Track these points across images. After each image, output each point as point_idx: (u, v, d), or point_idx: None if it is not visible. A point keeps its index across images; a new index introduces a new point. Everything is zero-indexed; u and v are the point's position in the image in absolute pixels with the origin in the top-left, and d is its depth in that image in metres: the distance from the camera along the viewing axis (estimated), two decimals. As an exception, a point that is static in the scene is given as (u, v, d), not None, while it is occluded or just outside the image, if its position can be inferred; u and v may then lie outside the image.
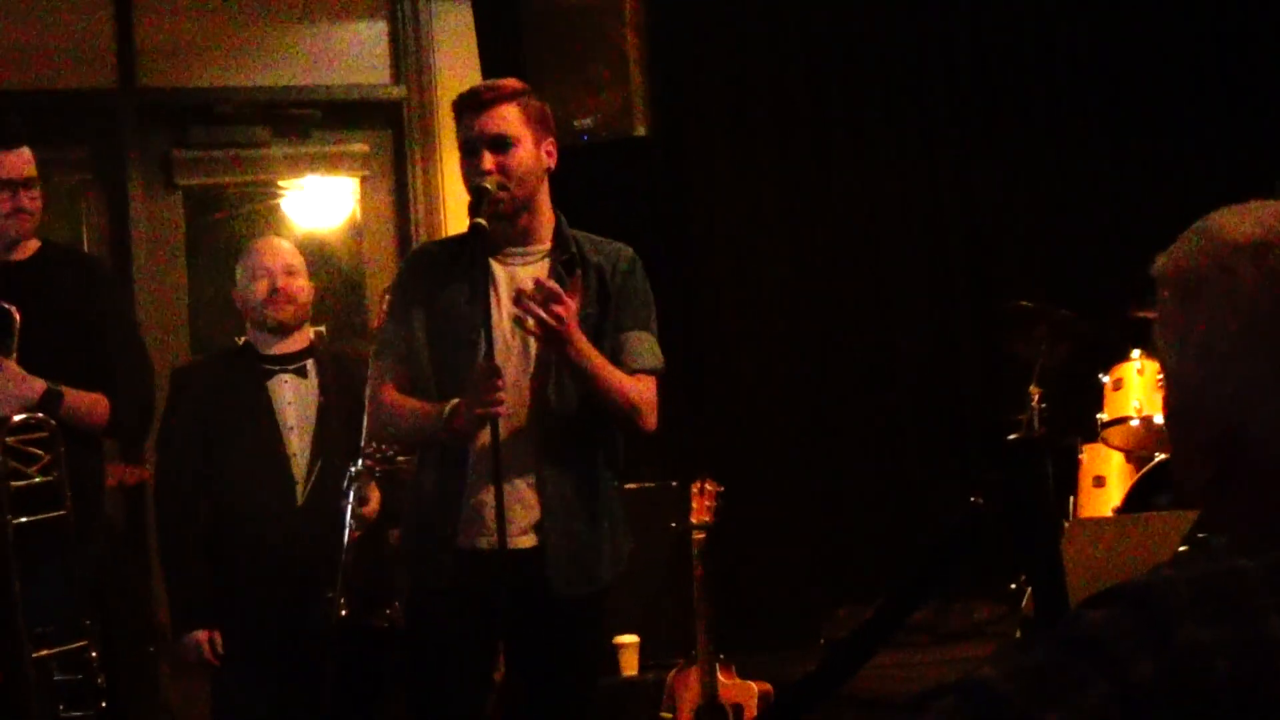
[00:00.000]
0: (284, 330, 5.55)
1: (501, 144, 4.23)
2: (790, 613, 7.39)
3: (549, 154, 4.33)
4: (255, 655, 5.42)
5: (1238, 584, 1.49)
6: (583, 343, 4.12)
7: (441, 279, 4.33)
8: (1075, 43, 8.14)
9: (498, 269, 4.26)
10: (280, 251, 5.65)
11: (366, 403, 4.62)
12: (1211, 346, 1.64)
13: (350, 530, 5.16)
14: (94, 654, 5.50)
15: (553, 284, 4.07)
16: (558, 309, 4.01)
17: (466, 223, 4.16)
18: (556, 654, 4.28)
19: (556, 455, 4.23)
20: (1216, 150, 7.94)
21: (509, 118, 4.27)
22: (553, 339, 4.07)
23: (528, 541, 4.18)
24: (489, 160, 4.21)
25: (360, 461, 5.15)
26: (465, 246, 4.23)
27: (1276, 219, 1.66)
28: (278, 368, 5.54)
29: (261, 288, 5.53)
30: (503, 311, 4.24)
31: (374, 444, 5.08)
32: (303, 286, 5.58)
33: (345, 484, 5.20)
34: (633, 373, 4.24)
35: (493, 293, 4.20)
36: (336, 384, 5.49)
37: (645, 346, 4.27)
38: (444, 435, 4.19)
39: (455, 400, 4.13)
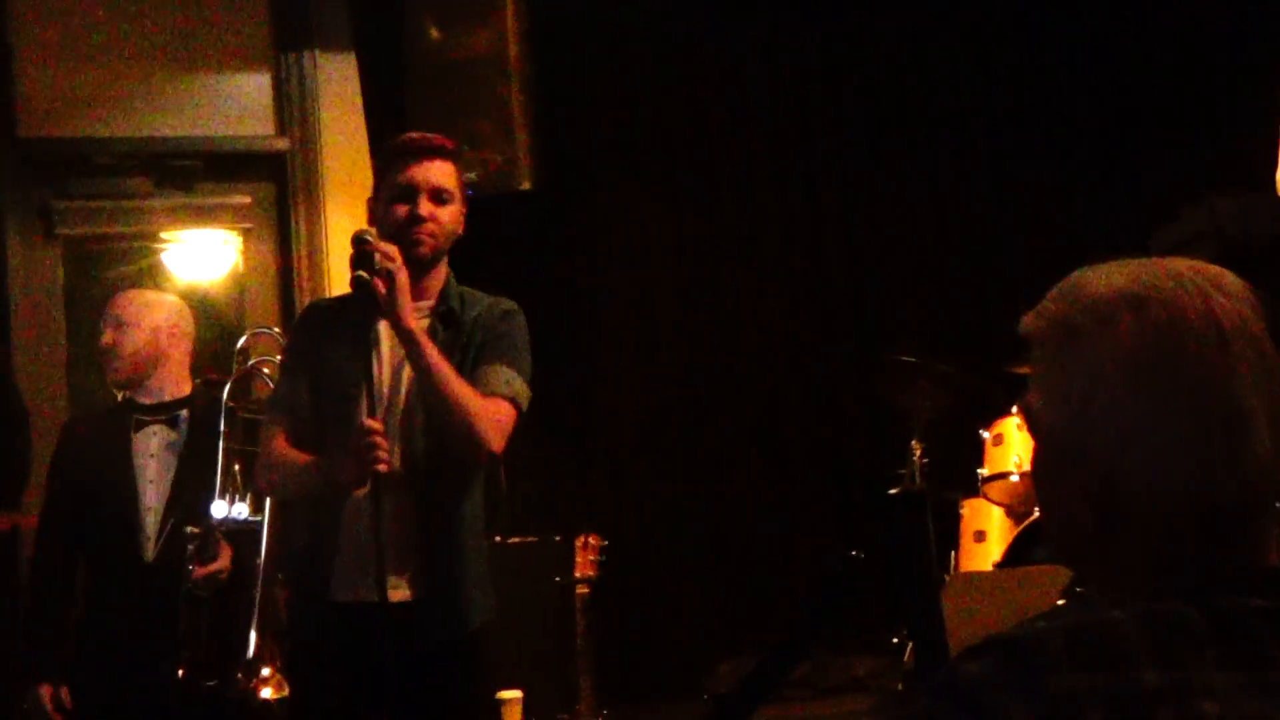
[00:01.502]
0: (124, 387, 5.51)
1: (439, 196, 4.27)
2: (673, 667, 7.38)
3: (461, 220, 4.36)
4: (102, 715, 5.31)
5: (1109, 634, 1.51)
6: (420, 334, 4.10)
7: (329, 335, 4.32)
8: (960, 98, 8.24)
9: (381, 325, 4.26)
10: (116, 303, 5.56)
11: (257, 458, 4.57)
12: (1091, 397, 1.66)
13: (193, 590, 5.08)
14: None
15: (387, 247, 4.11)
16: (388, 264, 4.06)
17: (349, 275, 4.15)
18: (436, 706, 4.25)
19: (428, 506, 4.21)
20: (1095, 208, 8.06)
21: (448, 173, 4.31)
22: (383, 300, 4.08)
23: (402, 594, 4.16)
24: (427, 207, 4.23)
25: (210, 518, 5.07)
26: (354, 302, 4.23)
27: (1150, 273, 1.69)
28: (150, 418, 5.45)
29: (99, 342, 5.51)
30: (384, 365, 4.24)
31: (224, 499, 5.03)
32: (133, 339, 5.44)
33: (188, 542, 5.11)
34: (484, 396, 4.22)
35: (375, 349, 4.21)
36: (203, 435, 5.36)
37: (501, 376, 4.22)
38: (326, 489, 4.17)
39: (338, 456, 4.11)
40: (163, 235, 8.00)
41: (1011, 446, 6.61)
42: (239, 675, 5.04)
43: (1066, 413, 1.69)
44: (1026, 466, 6.48)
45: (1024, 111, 8.20)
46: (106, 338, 5.45)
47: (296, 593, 4.39)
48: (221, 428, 5.21)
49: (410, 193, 4.25)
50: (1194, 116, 7.91)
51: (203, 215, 7.92)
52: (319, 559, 4.22)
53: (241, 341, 5.65)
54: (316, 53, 7.82)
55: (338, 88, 7.78)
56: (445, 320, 4.28)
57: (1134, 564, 1.66)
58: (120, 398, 5.62)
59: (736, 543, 7.75)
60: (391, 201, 4.27)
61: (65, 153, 7.67)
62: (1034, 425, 1.75)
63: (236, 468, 5.17)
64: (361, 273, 4.07)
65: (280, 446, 4.27)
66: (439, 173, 4.28)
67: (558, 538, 6.66)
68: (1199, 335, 1.64)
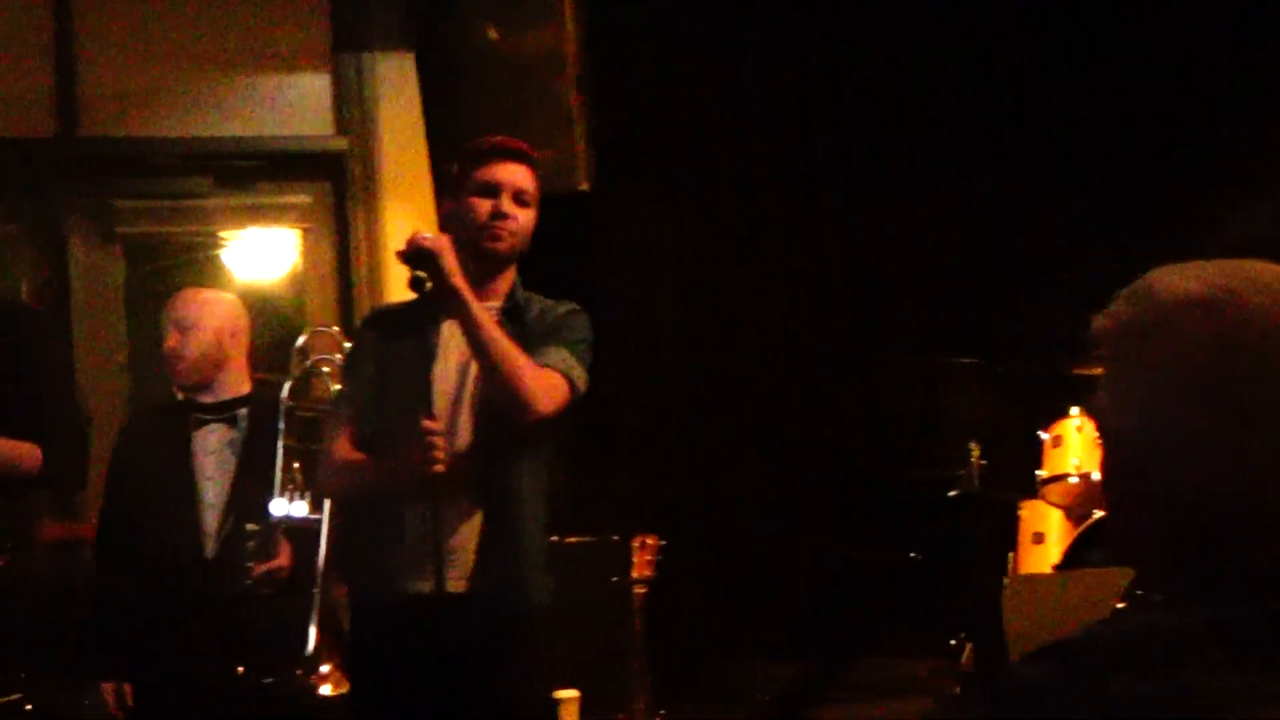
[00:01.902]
0: (189, 390, 5.50)
1: (521, 198, 4.36)
2: (729, 667, 7.37)
3: (532, 226, 4.43)
4: (162, 712, 5.31)
5: (1174, 640, 1.50)
6: (473, 303, 4.15)
7: (393, 339, 4.38)
8: (1006, 100, 8.20)
9: (445, 325, 4.30)
10: (178, 305, 5.57)
11: (320, 460, 4.59)
12: (1157, 401, 1.64)
13: (252, 587, 5.09)
14: (29, 707, 5.45)
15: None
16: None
17: (404, 273, 4.20)
18: (492, 690, 4.27)
19: (489, 497, 4.24)
20: (1152, 208, 8.00)
21: (529, 178, 4.41)
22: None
23: (461, 586, 4.19)
24: (510, 205, 4.31)
25: (271, 516, 5.08)
26: (417, 307, 4.30)
27: (1223, 276, 1.66)
28: (210, 417, 5.46)
29: (164, 346, 5.51)
30: (449, 367, 4.29)
31: (284, 497, 5.03)
32: (198, 342, 5.46)
33: (248, 539, 5.12)
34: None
35: (437, 352, 4.30)
36: (263, 433, 5.35)
37: (558, 354, 4.29)
38: (388, 490, 4.22)
39: (399, 457, 4.17)
40: (222, 235, 8.04)
41: (1070, 448, 6.57)
42: (298, 672, 5.05)
43: (1134, 416, 1.67)
44: (1085, 468, 6.45)
45: (1088, 102, 8.15)
46: (171, 341, 5.46)
47: (358, 587, 4.43)
48: (280, 426, 5.19)
49: (494, 190, 4.32)
50: (1214, 110, 7.87)
51: (262, 215, 7.96)
52: (381, 553, 4.26)
53: (300, 340, 5.65)
54: (375, 53, 7.84)
55: (396, 88, 7.80)
56: (510, 316, 4.33)
57: (1200, 570, 1.64)
58: (181, 397, 5.62)
59: (793, 544, 7.73)
60: (473, 197, 4.32)
61: (126, 152, 7.72)
62: (1102, 428, 1.73)
63: (296, 466, 5.16)
64: (419, 272, 4.12)
65: (344, 448, 4.34)
66: (521, 176, 4.38)
67: (615, 538, 6.66)
68: (1271, 339, 1.61)
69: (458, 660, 4.20)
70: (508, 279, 4.41)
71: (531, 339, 4.29)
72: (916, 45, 8.21)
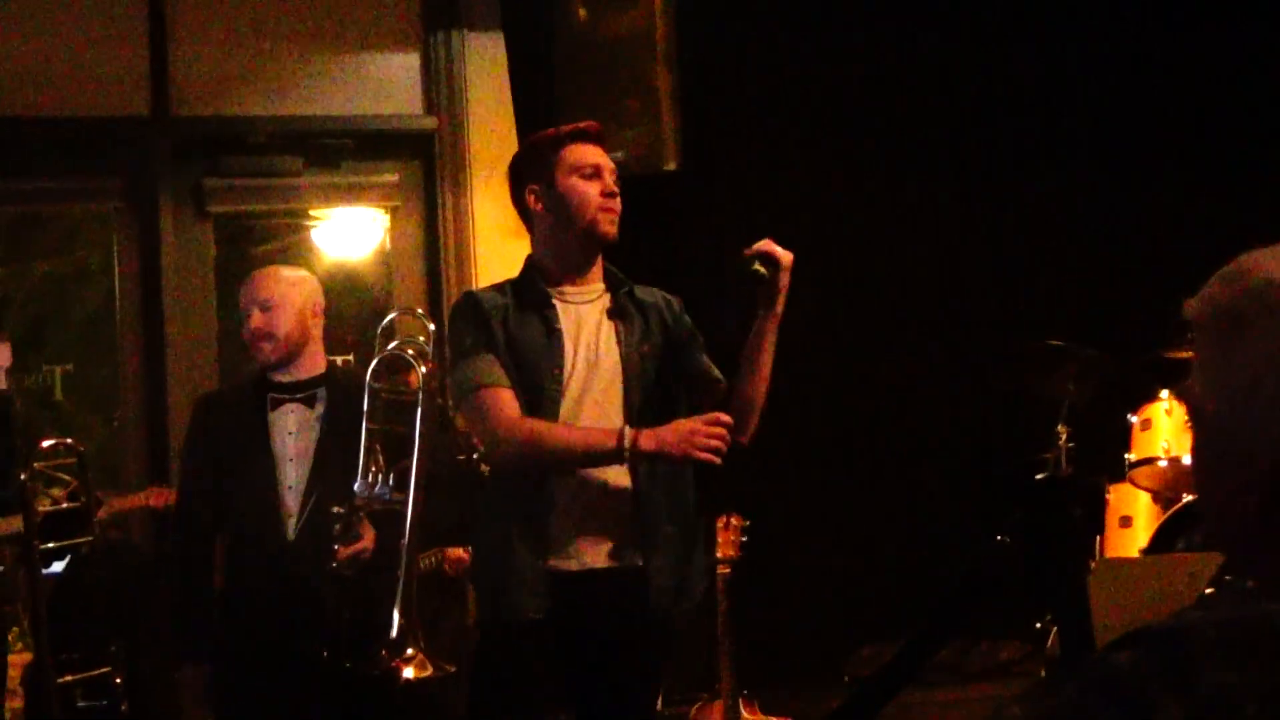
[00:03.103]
0: (273, 369, 5.45)
1: (616, 180, 4.40)
2: (814, 649, 7.35)
3: None
4: (247, 695, 5.31)
5: (1268, 628, 1.48)
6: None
7: (514, 319, 4.35)
8: (1103, 78, 8.13)
9: (559, 306, 4.31)
10: (259, 284, 5.52)
11: (479, 428, 4.52)
12: (1256, 385, 1.62)
13: (337, 569, 5.05)
14: (118, 680, 5.51)
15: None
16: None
17: (498, 252, 4.27)
18: (638, 675, 4.30)
19: (651, 474, 4.27)
20: (1245, 190, 7.91)
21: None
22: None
23: (632, 559, 4.20)
24: (613, 185, 4.36)
25: (355, 497, 5.02)
26: (520, 287, 4.38)
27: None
28: (286, 396, 5.43)
29: (245, 326, 5.47)
30: (577, 346, 4.31)
31: (368, 479, 4.99)
32: (284, 320, 5.42)
33: (333, 521, 5.07)
34: None
35: (563, 329, 4.32)
36: (349, 415, 5.24)
37: (710, 364, 4.46)
38: (582, 463, 4.23)
39: (629, 429, 4.16)
40: (311, 213, 8.10)
41: (1160, 431, 6.53)
42: (382, 654, 5.04)
43: (1230, 401, 1.65)
44: (1175, 452, 6.41)
45: (1181, 85, 8.07)
46: (256, 320, 5.41)
47: (500, 563, 4.34)
48: (365, 406, 5.10)
49: (597, 171, 4.31)
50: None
51: (351, 193, 8.01)
52: (531, 529, 4.24)
53: (386, 321, 5.61)
54: (465, 32, 7.86)
55: (486, 67, 7.82)
56: (632, 300, 4.39)
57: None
58: (258, 375, 5.58)
59: (880, 525, 7.70)
60: (579, 178, 4.33)
61: (217, 131, 7.79)
62: (1195, 412, 1.71)
63: (378, 448, 5.10)
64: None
65: (517, 412, 4.24)
66: (606, 158, 4.40)
67: (700, 517, 6.66)
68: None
69: (603, 644, 4.24)
70: (599, 263, 4.43)
71: (672, 341, 4.41)
72: (1019, 29, 8.14)
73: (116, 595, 6.43)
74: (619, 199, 4.33)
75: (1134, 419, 6.67)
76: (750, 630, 6.27)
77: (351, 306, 8.21)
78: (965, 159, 8.03)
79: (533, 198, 4.38)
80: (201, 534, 5.40)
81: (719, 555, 6.04)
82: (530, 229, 4.46)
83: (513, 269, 4.56)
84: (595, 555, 4.18)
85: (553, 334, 4.27)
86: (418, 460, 4.85)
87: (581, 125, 4.45)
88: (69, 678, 5.63)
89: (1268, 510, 1.62)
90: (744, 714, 5.96)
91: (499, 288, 4.43)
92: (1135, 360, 6.63)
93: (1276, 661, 1.45)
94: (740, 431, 4.29)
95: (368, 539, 5.13)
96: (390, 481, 5.02)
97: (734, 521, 6.09)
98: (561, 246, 4.31)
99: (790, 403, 7.75)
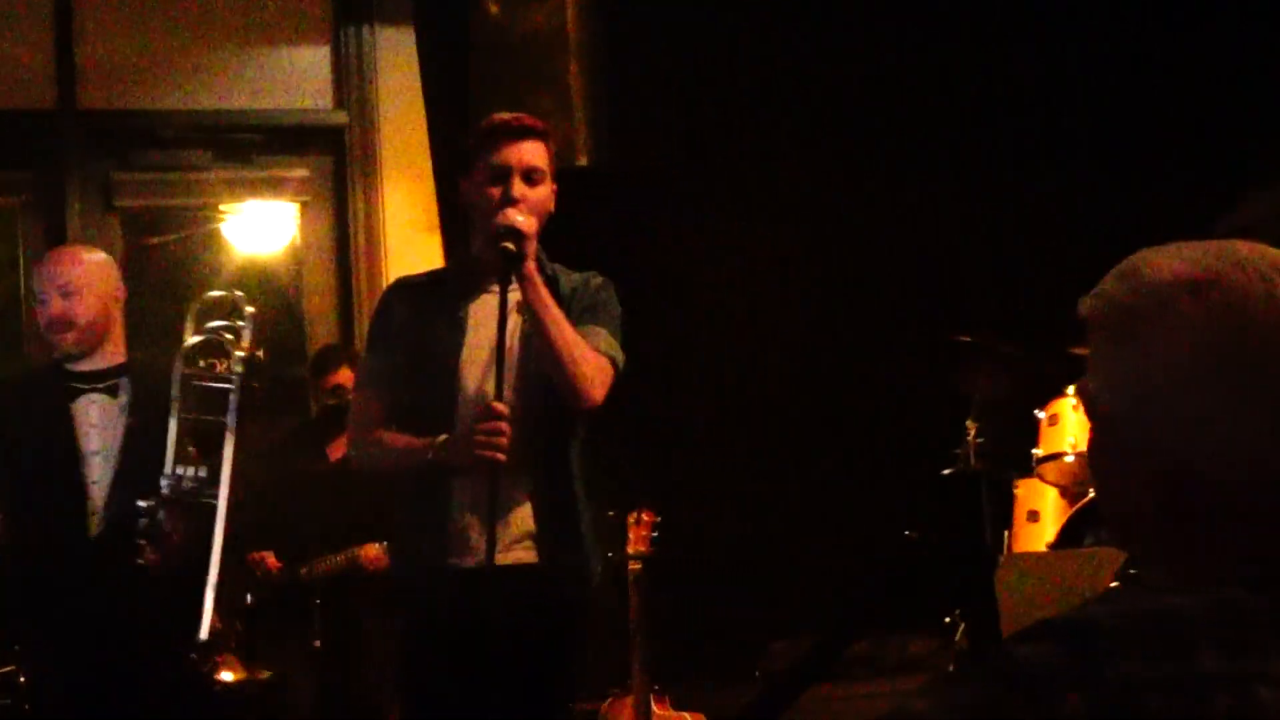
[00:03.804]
0: (74, 358, 5.15)
1: (531, 177, 4.30)
2: (726, 644, 7.37)
3: (552, 198, 4.40)
4: (57, 700, 5.11)
5: (1170, 621, 1.49)
6: (544, 290, 4.19)
7: (420, 312, 4.38)
8: (1017, 78, 8.18)
9: (479, 298, 4.33)
10: (58, 267, 5.20)
11: (348, 433, 4.56)
12: (1152, 382, 1.63)
13: (145, 566, 4.82)
14: (22, 679, 5.43)
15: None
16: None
17: (409, 247, 4.23)
18: (547, 665, 4.30)
19: (542, 469, 4.28)
20: (1156, 188, 7.98)
21: (540, 153, 4.35)
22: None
23: (526, 555, 4.20)
24: (520, 188, 4.26)
25: (162, 490, 4.85)
26: (440, 281, 4.41)
27: (1210, 257, 1.66)
28: (86, 386, 5.14)
29: (42, 312, 5.17)
30: (480, 342, 4.29)
31: (176, 472, 4.83)
32: (87, 306, 5.11)
33: (139, 516, 4.84)
34: None
35: (469, 324, 4.32)
36: (151, 404, 5.03)
37: (601, 336, 4.34)
38: (432, 466, 4.22)
39: (444, 437, 4.18)
40: (221, 207, 8.05)
41: (1067, 427, 6.58)
42: (191, 656, 4.85)
43: (1126, 398, 1.66)
44: (1081, 447, 6.45)
45: (1091, 85, 8.13)
46: (56, 307, 5.10)
47: (406, 562, 4.43)
48: (175, 396, 4.90)
49: (504, 174, 4.28)
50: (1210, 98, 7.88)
51: (261, 188, 7.98)
52: (430, 527, 4.26)
53: (195, 305, 5.24)
54: (376, 26, 7.85)
55: (397, 62, 7.80)
56: (554, 289, 4.34)
57: (1198, 552, 1.63)
58: (52, 363, 5.29)
59: (791, 520, 7.73)
60: (485, 183, 4.30)
61: (125, 124, 7.74)
62: (1091, 409, 1.73)
63: (189, 438, 4.91)
64: (509, 244, 4.13)
65: (378, 422, 4.32)
66: (531, 153, 4.31)
67: (611, 513, 6.66)
68: (1260, 320, 1.61)
69: (511, 639, 4.22)
70: (533, 255, 4.37)
71: (571, 317, 4.30)
72: (920, 29, 8.17)
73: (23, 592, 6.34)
74: (528, 200, 4.28)
75: (1041, 414, 6.72)
76: (662, 626, 6.27)
77: (261, 302, 8.17)
78: (881, 154, 8.06)
79: (463, 194, 4.40)
80: (8, 533, 5.13)
81: (630, 551, 6.04)
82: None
83: (423, 264, 4.57)
84: (474, 556, 4.17)
85: (454, 325, 4.30)
86: (231, 452, 4.75)
87: (496, 123, 4.41)
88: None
89: (1164, 508, 1.64)
90: (655, 710, 5.97)
91: (431, 274, 4.46)
92: (1045, 355, 6.67)
93: (1180, 653, 1.47)
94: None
95: (178, 534, 4.90)
96: (202, 474, 4.86)
97: (645, 517, 6.09)
98: (481, 242, 4.32)
99: (701, 397, 7.79)
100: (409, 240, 7.54)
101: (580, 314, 4.34)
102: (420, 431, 4.25)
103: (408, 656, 4.48)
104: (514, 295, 4.19)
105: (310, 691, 6.56)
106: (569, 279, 4.44)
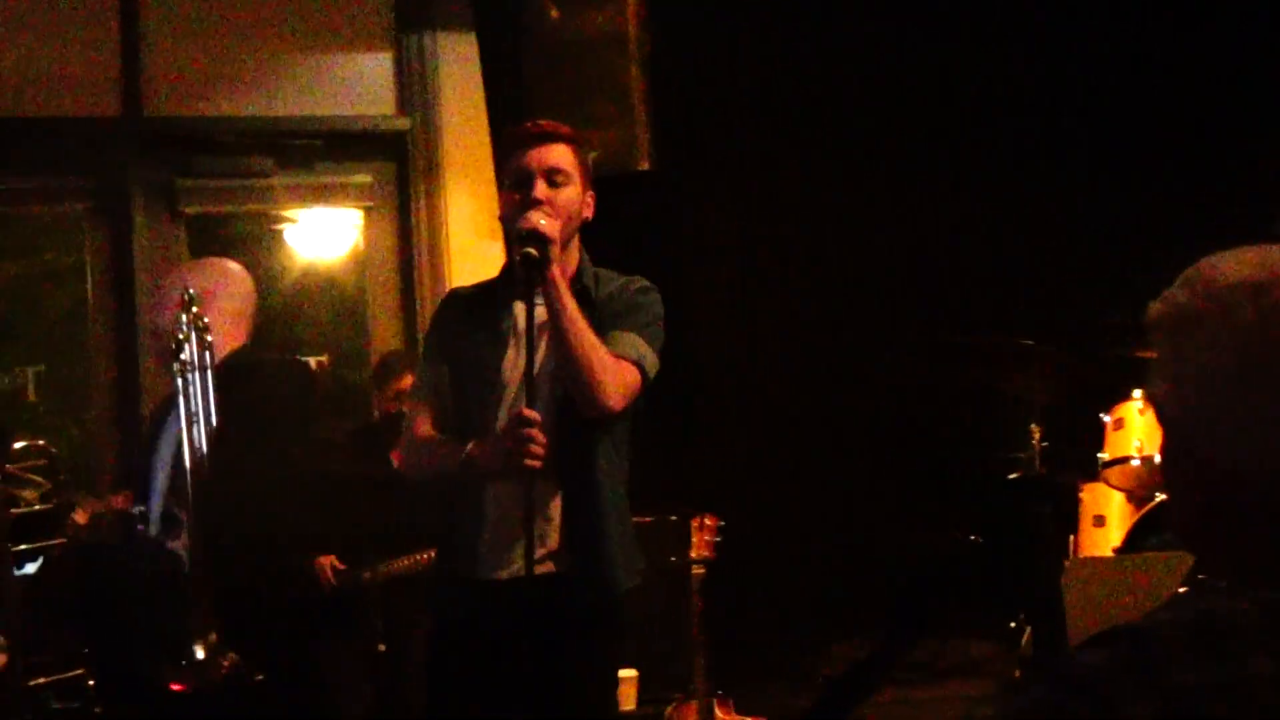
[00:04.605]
0: None
1: (554, 179, 4.25)
2: (789, 648, 7.36)
3: (589, 204, 4.35)
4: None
5: (1231, 625, 1.49)
6: (566, 295, 4.11)
7: (468, 322, 4.37)
8: (1075, 82, 8.13)
9: (523, 306, 4.28)
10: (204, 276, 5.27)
11: (401, 442, 4.58)
12: (1208, 384, 1.64)
13: None
14: (91, 682, 5.47)
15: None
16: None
17: (471, 252, 4.21)
18: (574, 669, 4.28)
19: (567, 477, 4.24)
20: (1220, 193, 7.93)
21: (564, 155, 4.29)
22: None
23: (550, 564, 4.20)
24: (542, 188, 4.22)
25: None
26: (491, 290, 4.35)
27: (1273, 260, 1.66)
28: None
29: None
30: (521, 351, 4.24)
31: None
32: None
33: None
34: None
35: (512, 333, 4.28)
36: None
37: (629, 340, 4.25)
38: (468, 474, 4.21)
39: (472, 443, 4.16)
40: (284, 214, 8.08)
41: (1133, 431, 6.54)
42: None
43: (1190, 401, 1.67)
44: (1147, 451, 6.42)
45: (1150, 92, 8.08)
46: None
47: (441, 572, 4.44)
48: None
49: (526, 178, 4.25)
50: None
51: (324, 194, 8.00)
52: (464, 537, 4.26)
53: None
54: (437, 33, 7.87)
55: (458, 68, 7.81)
56: (580, 298, 4.29)
57: (1252, 553, 1.63)
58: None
59: (854, 525, 7.71)
60: (509, 190, 4.29)
61: (189, 131, 7.78)
62: (1159, 412, 1.73)
63: None
64: (530, 250, 4.07)
65: (425, 428, 4.32)
66: (553, 155, 4.26)
67: (674, 518, 6.65)
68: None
69: (542, 644, 4.18)
70: (571, 259, 4.33)
71: (604, 321, 4.26)
72: (983, 29, 8.14)
73: (90, 596, 6.41)
74: (552, 202, 4.24)
75: (1107, 418, 6.68)
76: (725, 629, 6.26)
77: (325, 308, 8.20)
78: (940, 157, 8.03)
79: (500, 203, 4.39)
80: None
81: (693, 555, 6.02)
82: None
83: (486, 269, 4.55)
84: (507, 566, 4.16)
85: (498, 336, 4.27)
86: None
87: (518, 130, 4.38)
88: (41, 680, 5.59)
89: (1221, 508, 1.64)
90: (718, 714, 5.95)
91: (482, 284, 4.44)
92: (1105, 360, 6.63)
93: (1238, 656, 1.46)
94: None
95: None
96: None
97: (708, 522, 6.07)
98: (511, 251, 4.30)
99: (764, 403, 7.78)
100: (472, 245, 7.55)
101: (612, 318, 4.28)
102: (465, 438, 4.23)
103: (431, 666, 4.47)
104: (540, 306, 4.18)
105: (368, 695, 6.58)
106: (609, 284, 4.38)
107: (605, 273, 4.41)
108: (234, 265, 5.49)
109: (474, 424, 4.24)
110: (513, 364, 4.24)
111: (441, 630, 4.44)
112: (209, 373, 4.81)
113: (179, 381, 4.88)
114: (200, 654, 4.60)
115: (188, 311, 4.95)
